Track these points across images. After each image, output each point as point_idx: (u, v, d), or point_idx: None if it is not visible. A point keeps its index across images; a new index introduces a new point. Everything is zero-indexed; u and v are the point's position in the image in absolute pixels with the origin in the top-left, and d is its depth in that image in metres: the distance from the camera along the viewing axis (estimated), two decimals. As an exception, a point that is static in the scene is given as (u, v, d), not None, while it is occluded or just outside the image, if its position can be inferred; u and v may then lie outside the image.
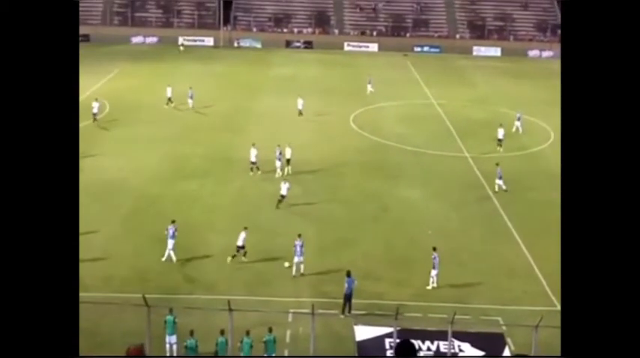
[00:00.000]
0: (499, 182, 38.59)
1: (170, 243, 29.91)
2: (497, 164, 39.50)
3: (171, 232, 29.96)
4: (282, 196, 35.44)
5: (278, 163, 40.20)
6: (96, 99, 50.23)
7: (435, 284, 28.52)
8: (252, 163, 40.12)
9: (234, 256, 29.79)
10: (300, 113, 52.54)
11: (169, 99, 54.06)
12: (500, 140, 46.25)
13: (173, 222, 30.58)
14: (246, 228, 30.21)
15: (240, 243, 29.87)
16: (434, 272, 28.51)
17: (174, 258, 29.84)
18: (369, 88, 61.68)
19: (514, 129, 50.13)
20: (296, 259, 28.93)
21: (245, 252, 29.85)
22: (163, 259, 29.90)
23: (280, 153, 40.28)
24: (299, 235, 29.52)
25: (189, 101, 53.93)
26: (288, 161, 40.49)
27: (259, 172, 40.07)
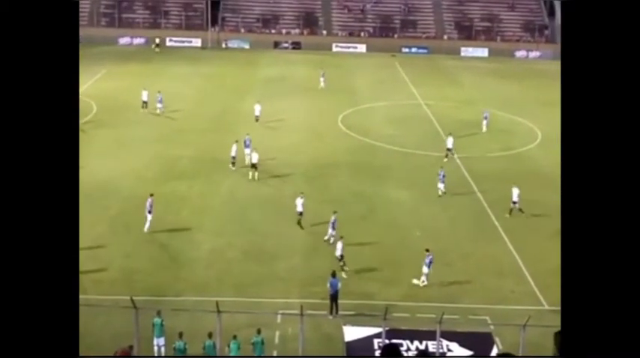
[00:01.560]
0: (440, 186, 37.92)
1: (149, 216, 32.55)
2: (441, 167, 39.12)
3: (148, 205, 32.65)
4: (300, 213, 33.77)
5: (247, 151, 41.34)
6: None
7: (425, 283, 28.65)
8: (233, 158, 41.17)
9: (343, 268, 28.90)
10: (257, 119, 50.53)
11: (144, 102, 52.81)
12: (449, 149, 44.37)
13: (151, 195, 33.30)
14: (342, 238, 29.65)
15: (338, 253, 29.09)
16: (426, 270, 28.68)
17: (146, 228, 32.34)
18: (322, 82, 63.10)
19: (484, 129, 50.65)
20: (330, 231, 31.76)
21: (344, 262, 29.04)
22: (145, 230, 32.41)
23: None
24: (334, 212, 32.08)
25: (158, 105, 52.26)
26: (254, 166, 39.62)
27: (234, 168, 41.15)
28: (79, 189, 37.79)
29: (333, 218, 32.01)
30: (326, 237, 32.19)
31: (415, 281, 28.71)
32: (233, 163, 41.34)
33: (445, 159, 43.78)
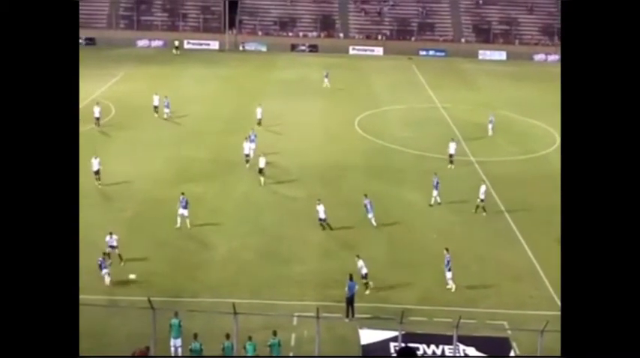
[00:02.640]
0: (434, 193, 37.12)
1: (184, 211, 33.51)
2: (435, 173, 38.10)
3: (182, 202, 33.61)
4: (322, 219, 33.73)
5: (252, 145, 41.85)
6: (97, 104, 50.04)
7: (451, 286, 28.59)
8: (246, 156, 41.84)
9: (366, 285, 28.17)
10: (259, 122, 50.10)
11: (155, 107, 52.35)
12: (451, 155, 43.64)
13: (182, 194, 34.06)
14: (358, 256, 28.82)
15: (363, 271, 28.31)
16: (449, 275, 28.65)
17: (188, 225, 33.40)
18: (326, 82, 64.08)
19: (489, 133, 50.17)
20: (369, 215, 33.08)
21: (367, 281, 28.40)
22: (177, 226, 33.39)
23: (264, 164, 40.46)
24: (365, 195, 33.59)
25: (166, 110, 51.82)
26: (261, 170, 39.28)
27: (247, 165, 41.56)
28: (96, 191, 37.76)
29: (367, 200, 34.08)
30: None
31: (448, 285, 28.53)
32: (247, 161, 41.73)
33: (450, 166, 43.41)
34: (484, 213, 36.21)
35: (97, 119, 48.65)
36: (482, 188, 36.72)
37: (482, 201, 36.43)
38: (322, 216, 33.82)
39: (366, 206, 33.90)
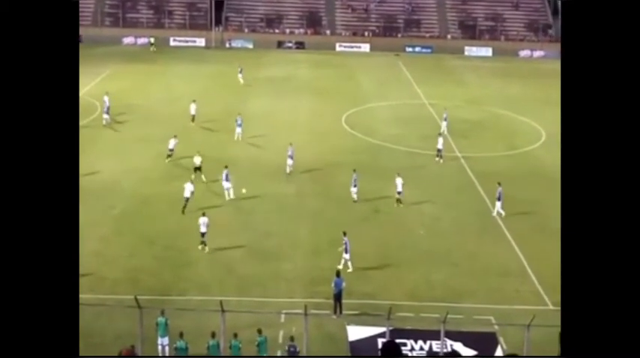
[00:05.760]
0: (398, 196, 36.91)
1: (227, 183, 36.52)
2: (398, 173, 37.47)
3: (224, 176, 36.58)
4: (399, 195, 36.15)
5: (290, 161, 41.20)
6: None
7: (349, 269, 29.02)
8: (170, 150, 42.30)
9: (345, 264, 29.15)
10: (193, 119, 50.07)
11: (107, 109, 49.35)
12: (439, 150, 43.77)
13: (226, 167, 37.04)
14: (345, 234, 29.73)
15: (347, 256, 29.34)
16: (346, 256, 29.24)
17: (232, 195, 36.51)
18: (240, 78, 63.84)
19: (441, 130, 47.80)
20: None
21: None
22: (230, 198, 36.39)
23: (291, 153, 41.23)
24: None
25: (105, 116, 49.62)
26: (197, 169, 38.99)
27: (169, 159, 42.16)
28: (84, 188, 37.71)
29: (354, 176, 35.52)
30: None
31: (339, 267, 28.49)
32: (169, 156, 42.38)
33: (438, 160, 43.70)
34: (400, 205, 36.61)
35: None
36: (399, 181, 36.81)
37: (399, 193, 36.78)
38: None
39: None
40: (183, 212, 34.34)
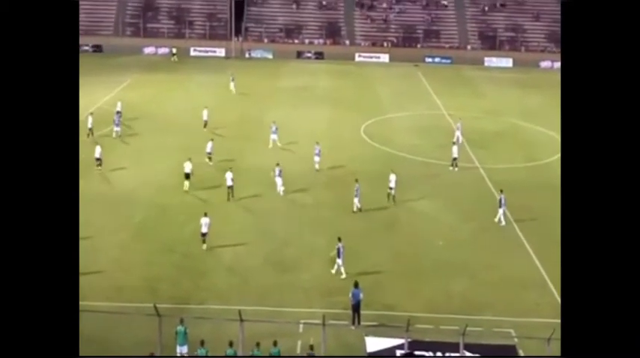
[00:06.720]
0: (390, 191, 37.92)
1: (279, 179, 38.49)
2: (392, 170, 38.74)
3: (277, 172, 38.52)
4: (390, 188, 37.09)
5: (317, 159, 42.95)
6: (91, 114, 49.03)
7: (343, 275, 29.18)
8: (208, 153, 43.70)
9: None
10: (205, 124, 50.79)
11: (90, 129, 47.35)
12: (454, 158, 44.06)
13: (277, 164, 38.92)
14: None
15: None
16: (339, 261, 29.46)
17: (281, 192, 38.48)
18: (232, 86, 64.23)
19: (454, 139, 47.72)
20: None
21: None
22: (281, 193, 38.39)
23: (318, 151, 42.99)
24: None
25: (116, 129, 48.91)
26: (187, 175, 39.06)
27: (211, 162, 43.38)
28: (103, 196, 37.76)
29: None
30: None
31: (332, 271, 29.06)
32: (210, 158, 43.63)
33: (452, 168, 43.87)
34: (394, 203, 37.62)
35: (90, 129, 47.33)
36: (393, 177, 37.99)
37: (391, 189, 37.83)
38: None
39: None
40: (228, 199, 37.75)
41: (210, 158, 43.73)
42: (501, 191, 36.99)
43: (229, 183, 38.12)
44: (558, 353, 22.22)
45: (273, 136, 47.45)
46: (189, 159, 39.73)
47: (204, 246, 32.07)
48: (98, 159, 41.90)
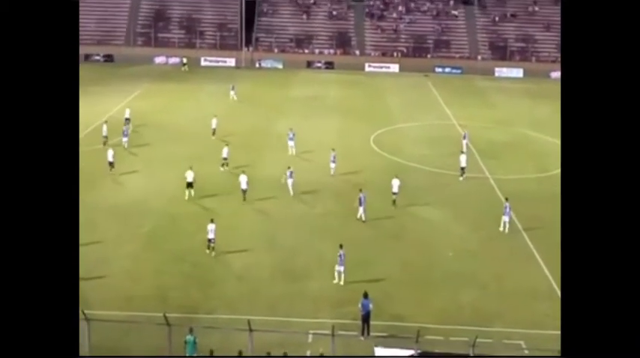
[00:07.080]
0: (394, 196, 38.64)
1: (290, 181, 39.54)
2: (396, 175, 39.82)
3: (288, 174, 39.53)
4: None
5: (333, 165, 43.86)
6: (105, 122, 49.97)
7: (341, 282, 29.53)
8: (224, 159, 44.47)
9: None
10: (214, 133, 51.48)
11: (105, 137, 48.35)
12: (463, 168, 44.32)
13: (289, 167, 39.96)
14: (341, 246, 30.36)
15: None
16: (340, 268, 29.68)
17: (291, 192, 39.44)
18: (232, 94, 64.85)
19: (463, 149, 47.85)
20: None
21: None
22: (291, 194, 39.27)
23: (334, 158, 43.91)
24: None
25: (124, 139, 48.93)
26: (190, 184, 39.22)
27: (227, 168, 44.37)
28: (113, 206, 37.83)
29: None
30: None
31: (335, 282, 29.41)
32: (223, 164, 44.51)
33: (460, 178, 44.00)
34: (395, 207, 38.39)
35: (105, 137, 48.28)
36: (396, 182, 38.90)
37: (394, 193, 38.67)
38: (244, 186, 38.49)
39: (360, 199, 34.67)
40: (244, 199, 38.77)
41: (227, 163, 44.36)
42: (506, 199, 37.07)
43: (244, 186, 38.69)
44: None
45: (290, 143, 47.94)
46: (191, 168, 39.81)
47: (213, 253, 32.23)
48: (111, 163, 43.11)
